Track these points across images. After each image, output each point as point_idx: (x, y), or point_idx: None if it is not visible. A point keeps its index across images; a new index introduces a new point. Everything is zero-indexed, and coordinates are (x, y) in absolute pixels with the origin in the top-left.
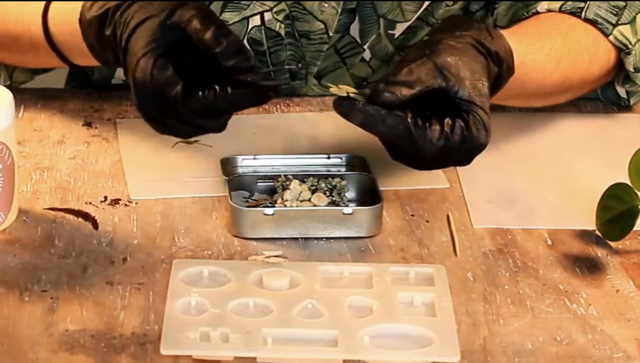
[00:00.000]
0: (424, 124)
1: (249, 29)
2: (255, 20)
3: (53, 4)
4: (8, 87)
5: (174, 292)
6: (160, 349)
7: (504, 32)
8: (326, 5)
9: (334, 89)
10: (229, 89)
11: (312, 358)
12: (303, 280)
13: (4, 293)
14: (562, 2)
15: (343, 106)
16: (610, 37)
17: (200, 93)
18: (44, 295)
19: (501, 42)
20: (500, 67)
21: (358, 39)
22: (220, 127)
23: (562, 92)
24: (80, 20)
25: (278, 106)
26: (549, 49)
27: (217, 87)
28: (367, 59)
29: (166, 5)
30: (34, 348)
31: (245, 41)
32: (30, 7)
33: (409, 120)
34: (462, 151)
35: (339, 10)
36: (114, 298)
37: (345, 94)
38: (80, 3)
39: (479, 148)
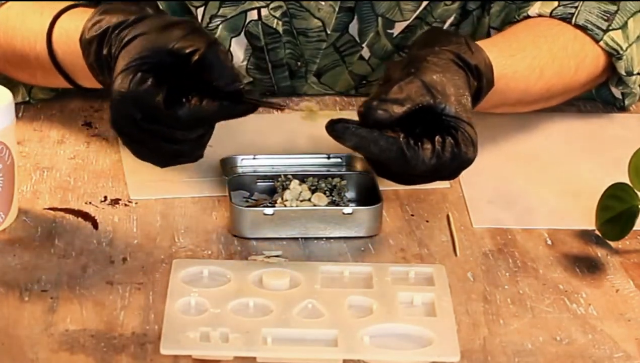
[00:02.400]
0: (416, 144)
1: (246, 22)
2: (253, 15)
3: (58, 24)
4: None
5: (173, 292)
6: (160, 349)
7: (486, 42)
8: (323, 3)
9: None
10: (211, 100)
11: (312, 358)
12: (303, 280)
13: (4, 293)
14: (554, 7)
15: (336, 130)
16: (601, 43)
17: (184, 100)
18: (44, 295)
19: (481, 55)
20: (480, 81)
21: (357, 38)
22: (198, 152)
23: (548, 98)
24: (81, 40)
25: None
26: (531, 59)
27: (199, 96)
28: (366, 57)
29: (159, 24)
30: (34, 348)
31: (242, 34)
32: (36, 25)
33: (402, 141)
34: (452, 168)
35: (336, 9)
36: (114, 298)
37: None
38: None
39: (468, 163)
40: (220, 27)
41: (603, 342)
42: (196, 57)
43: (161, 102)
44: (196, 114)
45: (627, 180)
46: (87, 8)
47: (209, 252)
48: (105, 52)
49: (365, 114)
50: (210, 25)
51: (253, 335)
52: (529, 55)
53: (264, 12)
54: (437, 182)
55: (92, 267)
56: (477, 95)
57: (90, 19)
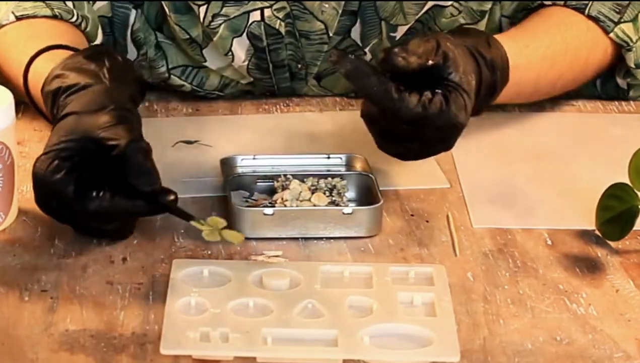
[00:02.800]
0: (405, 91)
1: (249, 23)
2: (256, 15)
3: (34, 64)
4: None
5: (174, 292)
6: (160, 349)
7: (501, 35)
8: (326, 5)
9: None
10: (123, 197)
11: (312, 358)
12: (303, 280)
13: (4, 293)
14: None
15: (335, 55)
16: (611, 35)
17: (94, 194)
18: (44, 295)
19: (499, 51)
20: (494, 74)
21: (359, 42)
22: (121, 235)
23: (559, 88)
24: (42, 90)
25: (278, 106)
26: (545, 49)
27: (111, 192)
28: None
29: (94, 104)
30: (34, 348)
31: (245, 35)
32: (21, 59)
33: (393, 84)
34: (438, 126)
35: (340, 11)
36: (114, 298)
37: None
38: None
39: (457, 127)
40: (222, 26)
41: (603, 342)
42: (115, 151)
43: (71, 194)
44: (106, 209)
45: (627, 180)
46: (64, 51)
47: (209, 252)
48: (54, 111)
49: (385, 58)
50: (212, 24)
51: (253, 335)
52: (542, 45)
53: (267, 12)
54: (437, 182)
55: (92, 267)
56: (493, 90)
57: (53, 69)
